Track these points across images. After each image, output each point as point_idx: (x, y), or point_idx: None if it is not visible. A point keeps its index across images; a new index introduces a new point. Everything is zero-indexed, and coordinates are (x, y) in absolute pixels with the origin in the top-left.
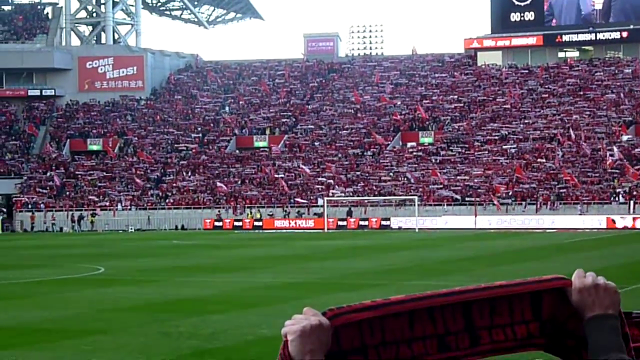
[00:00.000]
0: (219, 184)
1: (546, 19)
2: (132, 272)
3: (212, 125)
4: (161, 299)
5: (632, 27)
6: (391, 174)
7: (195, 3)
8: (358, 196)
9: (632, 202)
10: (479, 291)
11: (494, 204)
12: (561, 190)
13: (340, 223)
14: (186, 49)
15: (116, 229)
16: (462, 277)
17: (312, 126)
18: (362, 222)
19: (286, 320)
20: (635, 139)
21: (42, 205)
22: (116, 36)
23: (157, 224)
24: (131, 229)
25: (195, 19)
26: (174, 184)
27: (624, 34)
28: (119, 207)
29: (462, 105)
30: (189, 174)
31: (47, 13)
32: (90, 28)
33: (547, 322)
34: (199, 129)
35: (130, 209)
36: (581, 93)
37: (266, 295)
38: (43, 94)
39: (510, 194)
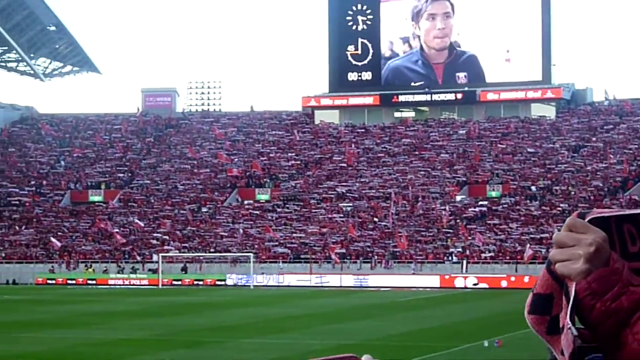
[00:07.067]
0: (52, 239)
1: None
2: None
3: (47, 178)
4: None
5: (466, 89)
6: (227, 230)
7: (32, 55)
8: (194, 252)
9: (464, 262)
10: None
11: (329, 262)
12: (395, 249)
13: (175, 280)
14: (21, 101)
15: None
16: (298, 335)
17: (149, 181)
18: (197, 279)
19: None
20: (468, 200)
21: None
22: None
23: None
24: None
25: (32, 72)
26: (6, 238)
27: (459, 96)
28: None
29: (299, 163)
30: (22, 227)
31: None
32: None
33: None
34: (33, 182)
35: None
36: (416, 153)
37: (100, 352)
38: None
39: (345, 252)
